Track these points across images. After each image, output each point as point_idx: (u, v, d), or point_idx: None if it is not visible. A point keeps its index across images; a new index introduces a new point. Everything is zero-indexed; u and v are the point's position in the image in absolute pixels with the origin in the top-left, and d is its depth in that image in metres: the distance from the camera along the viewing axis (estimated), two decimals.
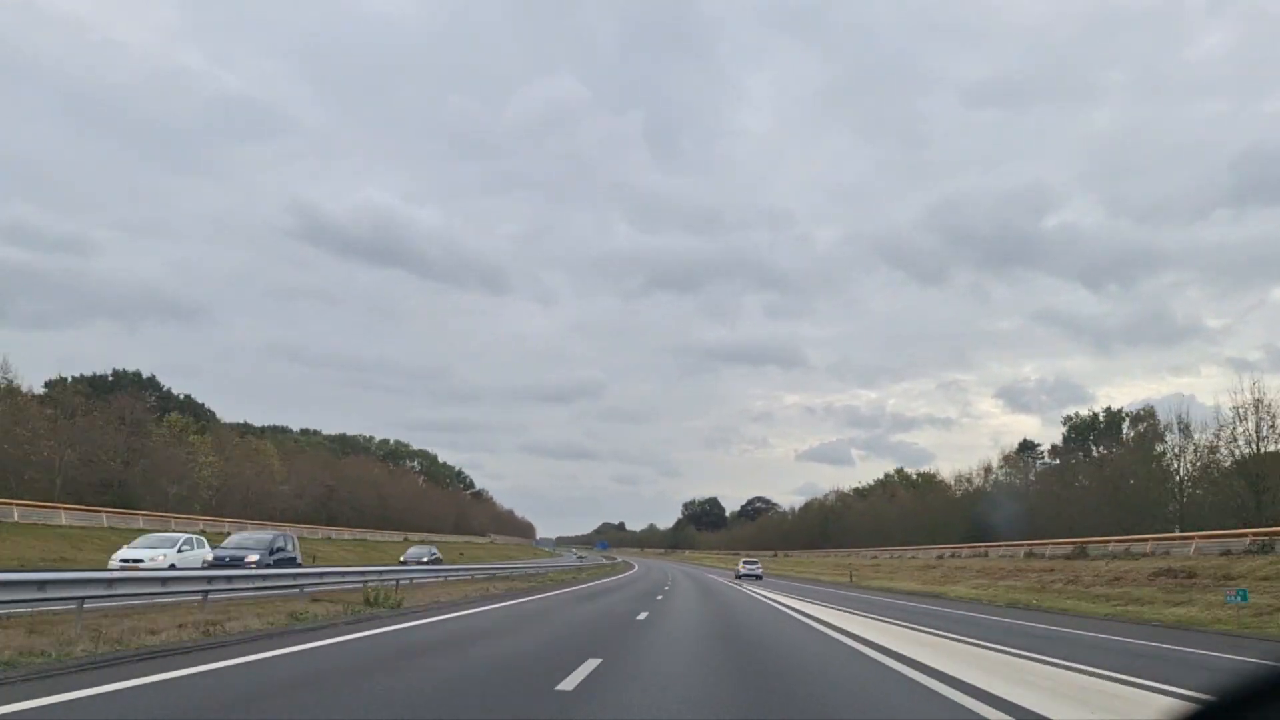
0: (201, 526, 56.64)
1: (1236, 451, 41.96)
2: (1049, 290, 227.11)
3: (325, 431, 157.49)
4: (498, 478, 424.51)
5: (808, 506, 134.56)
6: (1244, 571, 27.63)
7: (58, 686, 6.97)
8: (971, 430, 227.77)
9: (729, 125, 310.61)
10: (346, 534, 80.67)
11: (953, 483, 74.68)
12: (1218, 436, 42.49)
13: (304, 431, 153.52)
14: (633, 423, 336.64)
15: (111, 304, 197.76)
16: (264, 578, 12.56)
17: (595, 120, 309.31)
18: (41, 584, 10.32)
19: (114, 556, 21.92)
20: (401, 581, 21.26)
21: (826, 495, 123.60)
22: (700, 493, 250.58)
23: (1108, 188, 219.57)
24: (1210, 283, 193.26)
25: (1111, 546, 40.33)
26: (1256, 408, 40.54)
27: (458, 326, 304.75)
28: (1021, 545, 50.52)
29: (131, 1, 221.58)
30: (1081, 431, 73.89)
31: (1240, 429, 41.37)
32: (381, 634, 12.55)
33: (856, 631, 16.78)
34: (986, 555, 54.32)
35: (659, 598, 26.64)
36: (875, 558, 79.10)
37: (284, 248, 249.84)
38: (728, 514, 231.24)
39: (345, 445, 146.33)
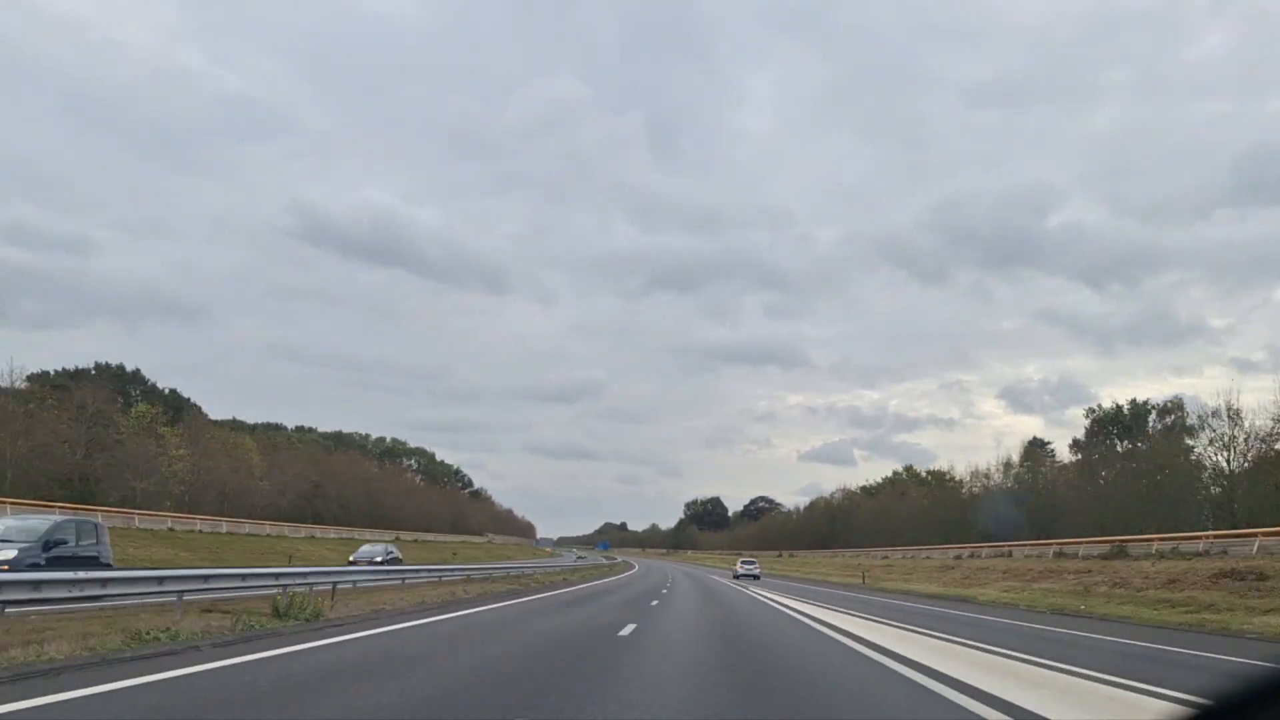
0: (170, 524, 53.13)
1: None
2: (1051, 290, 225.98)
3: (320, 429, 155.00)
4: (499, 478, 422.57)
5: (813, 506, 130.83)
6: None
7: None
8: (974, 431, 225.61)
9: (729, 125, 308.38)
10: (332, 532, 77.05)
11: (968, 479, 70.92)
12: (1278, 423, 38.64)
13: (298, 429, 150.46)
14: (634, 423, 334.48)
15: (112, 304, 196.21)
16: (35, 584, 8.85)
17: (595, 120, 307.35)
18: None
19: None
20: (342, 585, 17.71)
21: (833, 494, 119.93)
22: (702, 493, 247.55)
23: (1109, 187, 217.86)
24: (1213, 282, 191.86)
25: (1156, 545, 36.60)
26: None
27: (458, 326, 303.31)
28: (1049, 544, 46.77)
29: (132, 2, 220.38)
30: (1104, 425, 70.09)
31: None
32: (255, 661, 8.93)
33: (892, 648, 13.18)
34: (1010, 555, 50.58)
35: (654, 603, 22.96)
36: (886, 558, 75.35)
37: (284, 248, 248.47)
38: (730, 514, 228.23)
39: (340, 443, 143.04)
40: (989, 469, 68.80)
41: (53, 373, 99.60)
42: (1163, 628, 21.10)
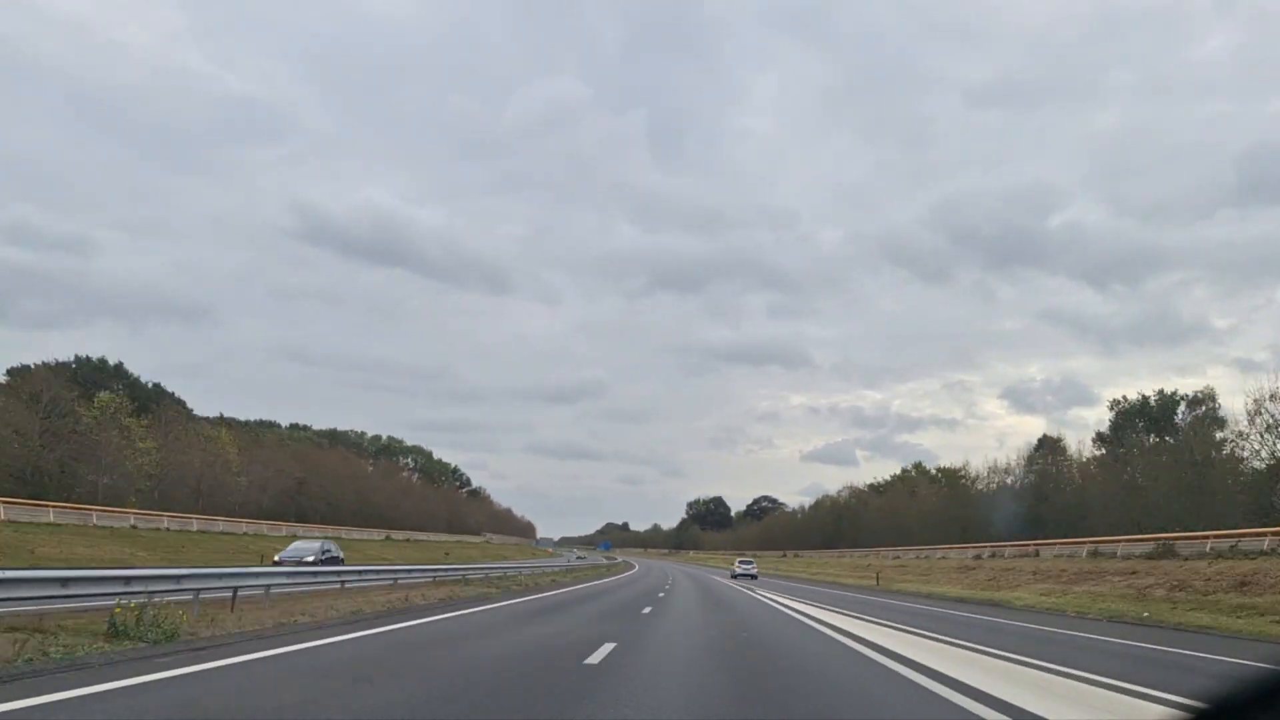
0: (133, 521, 49.50)
1: None
2: (1054, 290, 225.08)
3: (315, 427, 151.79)
4: (502, 478, 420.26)
5: (818, 504, 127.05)
6: None
7: None
8: (977, 431, 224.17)
9: (731, 125, 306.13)
10: (316, 531, 73.32)
11: (985, 474, 67.10)
12: None
13: (293, 426, 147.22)
14: (636, 423, 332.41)
15: (114, 304, 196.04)
16: None
17: (597, 120, 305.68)
18: None
19: None
20: (249, 592, 14.11)
21: (840, 492, 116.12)
22: (704, 493, 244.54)
23: (1111, 187, 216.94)
24: (1216, 282, 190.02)
25: (1211, 543, 32.85)
26: None
27: (460, 326, 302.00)
28: (1081, 543, 43.00)
29: (134, 3, 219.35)
30: (1129, 417, 66.26)
31: None
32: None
33: (937, 667, 9.52)
34: (1037, 555, 46.81)
35: (646, 610, 19.27)
36: (898, 558, 71.58)
37: (286, 248, 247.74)
38: (733, 514, 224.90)
39: (335, 441, 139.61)
40: (1008, 464, 65.04)
41: (32, 366, 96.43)
42: (1264, 640, 17.39)
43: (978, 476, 68.43)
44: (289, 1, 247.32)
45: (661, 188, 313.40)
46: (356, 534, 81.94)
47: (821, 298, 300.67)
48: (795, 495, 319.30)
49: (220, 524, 58.43)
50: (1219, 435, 51.13)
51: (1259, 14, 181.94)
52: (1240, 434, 45.84)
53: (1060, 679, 10.00)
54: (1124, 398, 66.18)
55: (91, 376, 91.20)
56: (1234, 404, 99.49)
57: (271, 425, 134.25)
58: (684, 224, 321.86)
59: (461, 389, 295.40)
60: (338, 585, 18.39)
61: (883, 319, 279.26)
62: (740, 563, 67.81)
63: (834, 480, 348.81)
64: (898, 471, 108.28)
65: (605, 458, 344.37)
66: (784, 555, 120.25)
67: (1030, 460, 59.24)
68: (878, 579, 51.65)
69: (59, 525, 43.24)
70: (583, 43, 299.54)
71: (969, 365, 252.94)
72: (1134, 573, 33.63)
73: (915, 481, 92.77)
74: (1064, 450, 55.92)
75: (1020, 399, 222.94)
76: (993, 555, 52.72)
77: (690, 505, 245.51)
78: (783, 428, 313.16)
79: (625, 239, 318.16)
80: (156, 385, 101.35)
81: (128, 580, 10.38)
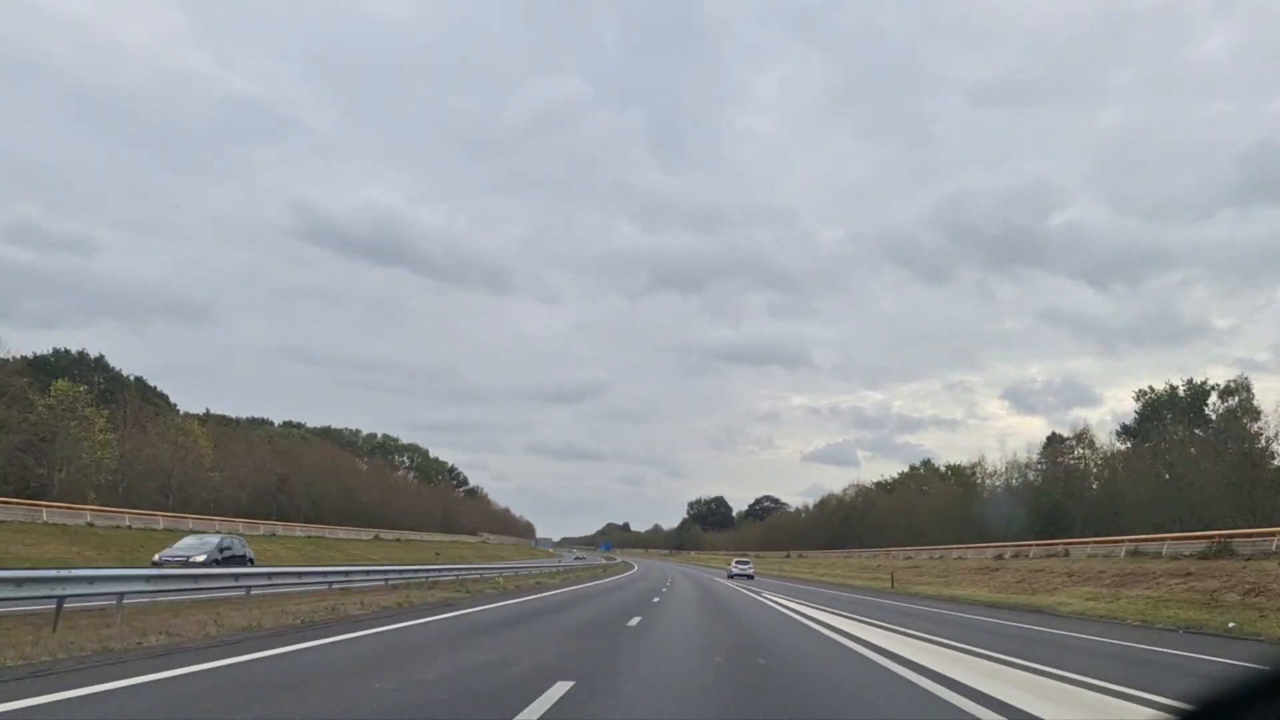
0: (90, 518, 45.83)
1: None
2: (1055, 290, 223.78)
3: (309, 424, 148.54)
4: (503, 478, 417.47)
5: (823, 503, 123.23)
6: None
7: None
8: (978, 432, 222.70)
9: (733, 125, 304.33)
10: (298, 529, 69.73)
11: (1004, 469, 63.35)
12: None
13: (286, 423, 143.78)
14: (637, 423, 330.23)
15: (116, 303, 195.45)
16: None
17: (599, 121, 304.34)
18: None
19: None
20: (97, 601, 10.49)
21: (846, 490, 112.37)
22: (705, 494, 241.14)
23: (1113, 186, 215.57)
24: (1217, 281, 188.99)
25: (1278, 541, 29.15)
26: None
27: (462, 326, 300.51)
28: (1119, 541, 39.26)
29: (135, 3, 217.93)
30: (1156, 409, 62.50)
31: None
32: None
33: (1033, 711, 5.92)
34: (1067, 554, 43.08)
35: (633, 622, 15.58)
36: (910, 558, 67.83)
37: (287, 248, 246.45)
38: (735, 514, 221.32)
39: (329, 439, 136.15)
40: (1028, 459, 61.26)
41: (11, 359, 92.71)
42: None
43: (994, 472, 64.85)
44: (290, 1, 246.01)
45: (662, 187, 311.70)
46: (342, 533, 78.33)
47: (822, 297, 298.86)
48: (796, 496, 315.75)
49: (190, 522, 54.72)
50: (1254, 426, 47.57)
51: (1259, 13, 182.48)
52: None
53: None
54: (1150, 388, 62.36)
55: (71, 370, 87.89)
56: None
57: (264, 422, 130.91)
58: (685, 223, 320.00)
59: (462, 389, 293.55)
60: (242, 591, 14.76)
61: (883, 319, 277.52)
62: (736, 563, 67.71)
63: (835, 481, 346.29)
64: (904, 470, 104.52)
65: (606, 458, 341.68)
66: (788, 555, 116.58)
67: (1053, 454, 55.36)
68: (893, 581, 47.97)
69: (2, 522, 39.65)
70: (584, 42, 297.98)
71: (970, 366, 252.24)
72: (1189, 574, 29.92)
73: (925, 479, 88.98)
74: (1091, 442, 52.35)
75: (1021, 399, 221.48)
76: (1016, 555, 49.00)
77: (691, 505, 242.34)
78: (783, 428, 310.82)
79: (626, 238, 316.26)
80: (138, 379, 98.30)
81: None
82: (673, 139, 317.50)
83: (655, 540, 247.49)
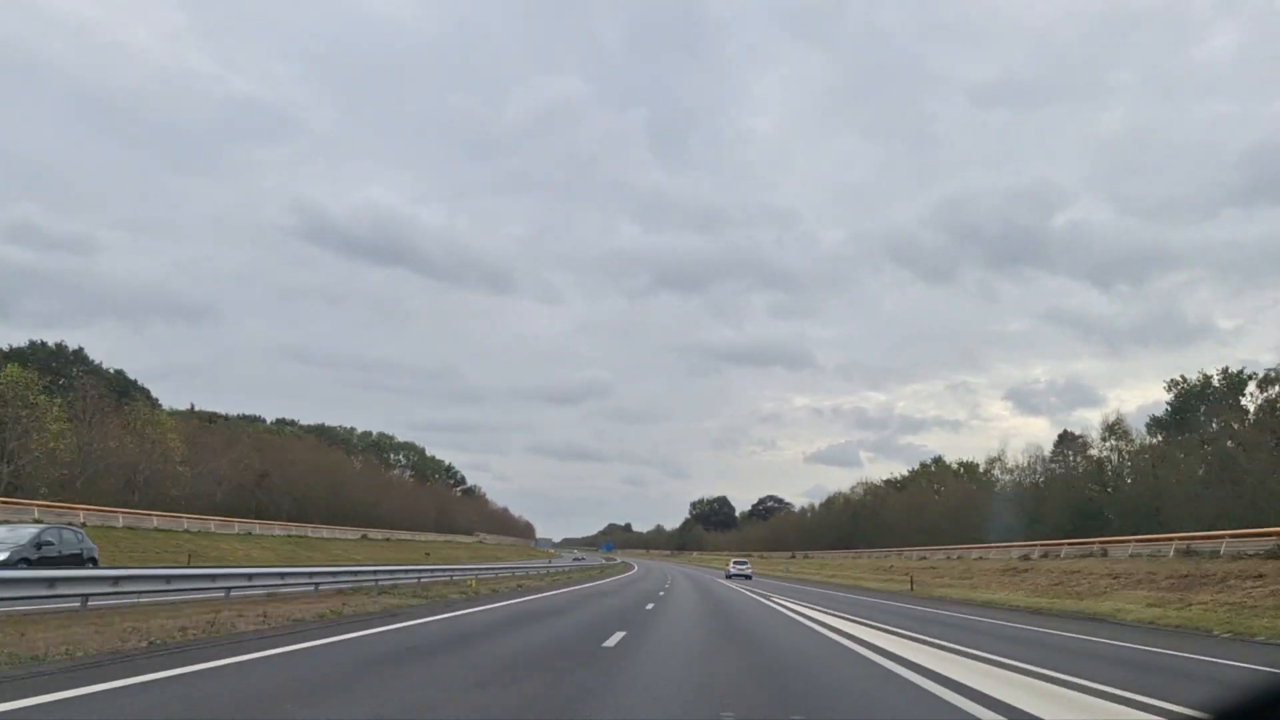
0: (36, 514, 42.10)
1: None
2: (1058, 290, 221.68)
3: (303, 421, 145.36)
4: (505, 479, 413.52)
5: (830, 502, 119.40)
6: None
7: None
8: (981, 433, 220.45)
9: (735, 125, 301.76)
10: (278, 528, 65.98)
11: (1026, 464, 59.46)
12: None
13: (279, 421, 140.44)
14: (640, 424, 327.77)
15: (117, 303, 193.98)
16: None
17: (600, 121, 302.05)
18: None
19: None
20: None
21: (854, 488, 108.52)
22: (708, 494, 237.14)
23: (1116, 186, 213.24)
24: (1221, 281, 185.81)
25: None
26: None
27: (463, 327, 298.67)
28: (1167, 539, 35.41)
29: (136, 3, 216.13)
30: (1189, 399, 58.62)
31: None
32: None
33: None
34: (1105, 554, 39.23)
35: (611, 642, 11.75)
36: (925, 559, 63.97)
37: (288, 248, 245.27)
38: (738, 514, 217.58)
39: (323, 436, 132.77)
40: (1053, 452, 57.27)
41: None
42: None
43: (1015, 467, 60.96)
44: (290, 2, 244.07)
45: (664, 187, 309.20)
46: (326, 532, 74.65)
47: (824, 298, 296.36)
48: (798, 497, 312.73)
49: (154, 520, 51.06)
50: None
51: (1262, 13, 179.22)
52: None
53: None
54: (1183, 377, 58.45)
55: (48, 363, 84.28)
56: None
57: (255, 419, 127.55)
58: (686, 223, 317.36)
59: (464, 389, 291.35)
60: (74, 603, 10.97)
61: (886, 319, 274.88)
62: (734, 563, 68.60)
63: (837, 482, 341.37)
64: (913, 468, 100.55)
65: (608, 459, 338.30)
66: (793, 556, 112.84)
67: (1083, 445, 51.44)
68: (912, 583, 44.16)
69: None
70: (585, 42, 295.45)
71: (973, 367, 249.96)
72: (1260, 576, 26.09)
73: (937, 476, 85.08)
74: (1125, 433, 48.48)
75: (1024, 400, 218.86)
76: (1045, 555, 45.15)
77: (694, 505, 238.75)
78: (786, 429, 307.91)
79: (627, 238, 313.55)
80: (119, 372, 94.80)
81: None
82: (674, 139, 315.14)
83: (657, 541, 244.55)
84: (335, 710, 6.18)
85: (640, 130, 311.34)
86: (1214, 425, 51.53)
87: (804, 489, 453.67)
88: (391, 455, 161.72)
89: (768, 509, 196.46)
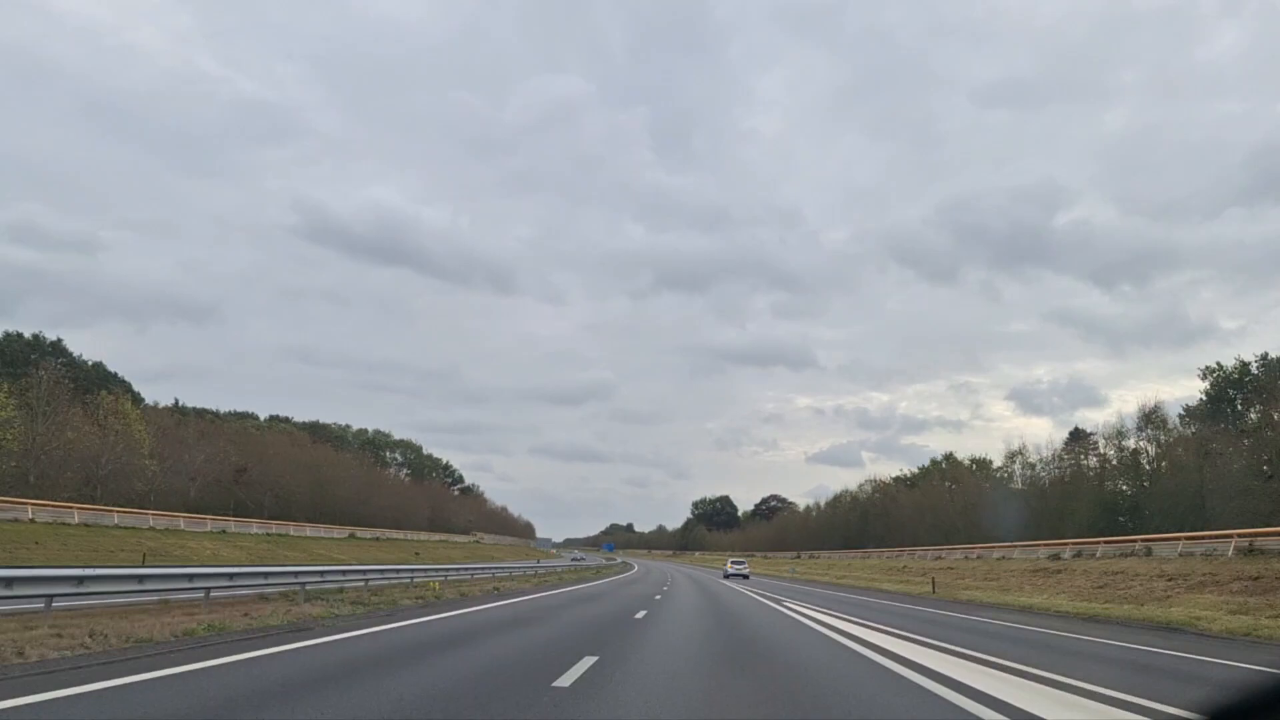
0: None
1: None
2: (1061, 291, 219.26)
3: (297, 419, 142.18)
4: (508, 479, 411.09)
5: (836, 500, 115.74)
6: None
7: None
8: (983, 433, 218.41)
9: (739, 125, 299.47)
10: (255, 526, 62.45)
11: (1052, 458, 55.66)
12: None
13: (272, 418, 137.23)
14: (642, 424, 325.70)
15: (121, 303, 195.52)
16: None
17: (605, 122, 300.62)
18: None
19: None
20: None
21: (861, 485, 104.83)
22: (710, 495, 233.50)
23: (1120, 186, 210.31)
24: (1225, 281, 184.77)
25: None
26: None
27: (467, 327, 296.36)
28: (1224, 536, 31.73)
29: (147, 7, 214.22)
30: (1222, 388, 54.92)
31: None
32: None
33: None
34: (1150, 552, 35.58)
35: (563, 681, 8.13)
36: (940, 558, 60.30)
37: (294, 248, 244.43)
38: (740, 513, 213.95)
39: (318, 434, 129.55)
40: (1078, 446, 53.42)
41: None
42: None
43: (1038, 460, 57.20)
44: (297, 4, 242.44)
45: (668, 187, 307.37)
46: (310, 530, 71.10)
47: (828, 298, 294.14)
48: (801, 497, 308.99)
49: (116, 516, 47.54)
50: None
51: (1266, 13, 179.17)
52: None
53: None
54: (1219, 364, 54.74)
55: (24, 355, 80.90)
56: None
57: (247, 416, 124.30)
58: (690, 223, 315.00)
59: (468, 390, 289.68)
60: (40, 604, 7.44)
61: (889, 320, 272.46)
62: (732, 563, 69.12)
63: (839, 482, 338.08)
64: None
65: (611, 459, 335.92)
66: (798, 556, 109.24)
67: (1119, 434, 47.63)
68: (934, 585, 40.49)
69: None
70: (588, 42, 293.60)
71: (976, 367, 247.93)
72: None
73: (953, 472, 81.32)
74: (1163, 423, 44.74)
75: (1027, 400, 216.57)
76: (1077, 554, 41.49)
77: (696, 505, 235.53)
78: (788, 429, 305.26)
79: (632, 238, 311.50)
80: (98, 364, 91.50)
81: None
82: (677, 139, 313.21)
83: (659, 541, 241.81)
84: None
85: (644, 130, 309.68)
86: (1253, 415, 47.80)
87: (806, 489, 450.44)
88: (387, 453, 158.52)
89: (771, 509, 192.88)
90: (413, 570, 23.72)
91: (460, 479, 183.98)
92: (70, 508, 44.72)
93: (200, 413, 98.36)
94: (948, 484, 78.13)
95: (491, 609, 17.94)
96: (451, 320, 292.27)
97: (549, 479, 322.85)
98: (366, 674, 7.92)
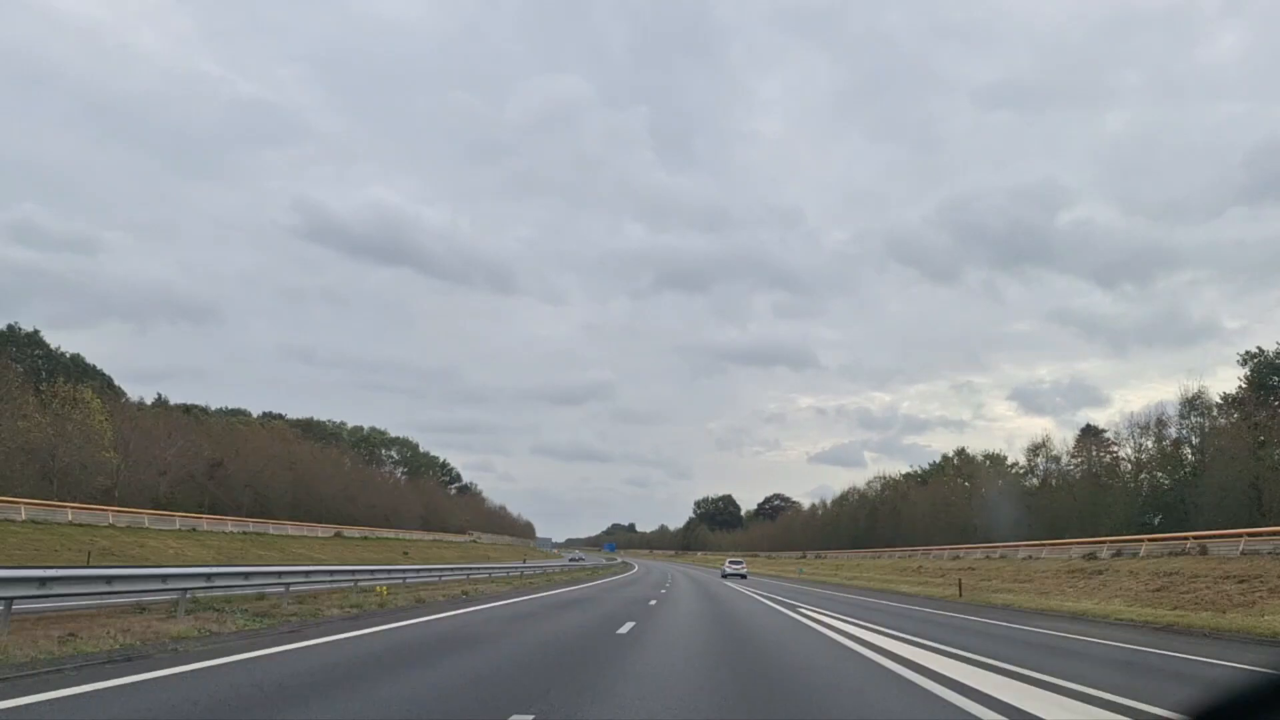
0: None
1: None
2: (1063, 291, 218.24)
3: (290, 416, 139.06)
4: (509, 479, 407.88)
5: (842, 499, 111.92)
6: None
7: None
8: (985, 433, 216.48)
9: (740, 126, 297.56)
10: (230, 524, 58.76)
11: (1074, 450, 51.90)
12: None
13: (265, 414, 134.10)
14: (644, 424, 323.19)
15: (121, 304, 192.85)
16: None
17: (605, 123, 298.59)
18: None
19: None
20: None
21: (870, 483, 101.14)
22: (712, 495, 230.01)
23: (1121, 187, 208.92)
24: (1227, 281, 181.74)
25: None
26: None
27: (468, 327, 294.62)
28: None
29: (145, 8, 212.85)
30: (1263, 374, 51.16)
31: None
32: None
33: None
34: (1205, 551, 31.88)
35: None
36: (959, 558, 56.57)
37: (294, 249, 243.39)
38: (743, 513, 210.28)
39: (311, 431, 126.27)
40: (1117, 434, 49.64)
41: None
42: None
43: (1066, 452, 53.43)
44: (297, 5, 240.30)
45: (668, 187, 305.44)
46: (291, 528, 67.49)
47: (829, 298, 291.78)
48: (803, 497, 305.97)
49: (70, 513, 43.94)
50: None
51: (1268, 14, 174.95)
52: None
53: None
54: (1259, 349, 51.01)
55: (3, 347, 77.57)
56: None
57: (239, 413, 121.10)
58: (691, 223, 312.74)
59: (468, 390, 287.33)
60: None
61: (890, 320, 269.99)
62: (730, 563, 69.45)
63: (842, 482, 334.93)
64: (944, 456, 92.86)
65: (612, 459, 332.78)
66: (803, 556, 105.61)
67: (1160, 423, 43.75)
68: (960, 588, 36.80)
69: None
70: (589, 43, 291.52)
71: (977, 367, 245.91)
72: None
73: (966, 469, 77.58)
74: (1208, 410, 40.90)
75: (1029, 400, 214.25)
76: (1117, 553, 37.79)
77: (698, 504, 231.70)
78: (790, 429, 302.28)
79: (632, 239, 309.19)
80: (76, 356, 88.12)
81: None
82: (678, 140, 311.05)
83: (661, 541, 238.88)
84: None
85: (644, 131, 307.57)
86: None
87: (808, 489, 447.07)
88: (383, 451, 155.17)
89: (774, 508, 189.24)
90: (355, 573, 20.04)
91: (458, 477, 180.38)
92: (17, 503, 41.07)
93: (187, 409, 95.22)
94: (963, 480, 74.38)
95: (432, 622, 14.28)
96: (452, 320, 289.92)
97: (550, 479, 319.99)
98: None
